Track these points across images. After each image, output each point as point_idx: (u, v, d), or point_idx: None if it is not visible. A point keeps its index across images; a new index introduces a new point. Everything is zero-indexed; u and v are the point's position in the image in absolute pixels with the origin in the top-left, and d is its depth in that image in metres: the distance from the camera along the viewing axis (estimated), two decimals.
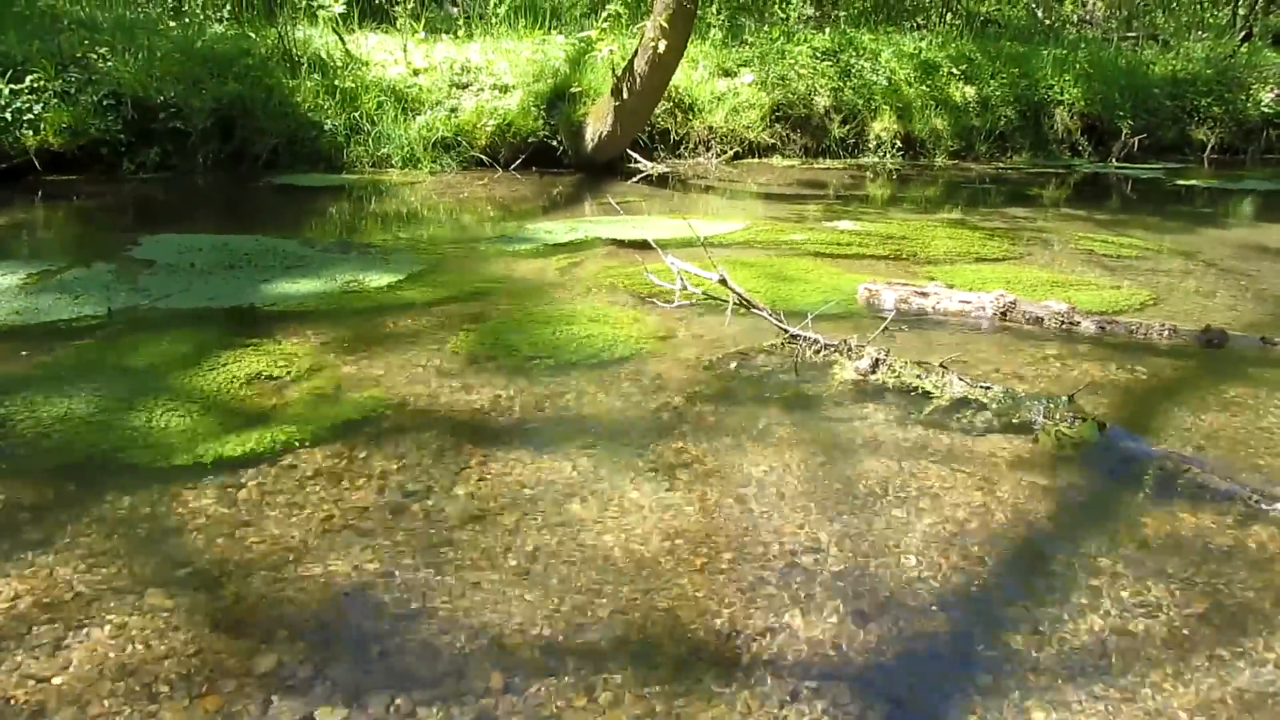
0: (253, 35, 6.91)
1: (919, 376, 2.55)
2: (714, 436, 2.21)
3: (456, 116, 7.02)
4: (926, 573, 1.69)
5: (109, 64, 6.07)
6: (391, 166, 6.76)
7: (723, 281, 2.86)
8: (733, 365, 2.69)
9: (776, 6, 10.41)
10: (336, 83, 6.77)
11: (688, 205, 5.88)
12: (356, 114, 6.70)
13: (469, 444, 2.13)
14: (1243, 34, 12.01)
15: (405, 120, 6.85)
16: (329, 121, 6.62)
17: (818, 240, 4.63)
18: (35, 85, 5.68)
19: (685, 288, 3.04)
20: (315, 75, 6.82)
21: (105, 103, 5.87)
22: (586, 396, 2.43)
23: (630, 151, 7.45)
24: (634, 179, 7.00)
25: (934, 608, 1.59)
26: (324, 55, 6.98)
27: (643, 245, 4.11)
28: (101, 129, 5.81)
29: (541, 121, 7.16)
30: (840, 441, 2.21)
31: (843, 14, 10.73)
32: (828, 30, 9.50)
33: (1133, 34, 12.29)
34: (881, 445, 2.20)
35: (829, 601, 1.60)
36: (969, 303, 3.29)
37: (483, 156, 7.05)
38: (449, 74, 7.34)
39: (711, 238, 4.57)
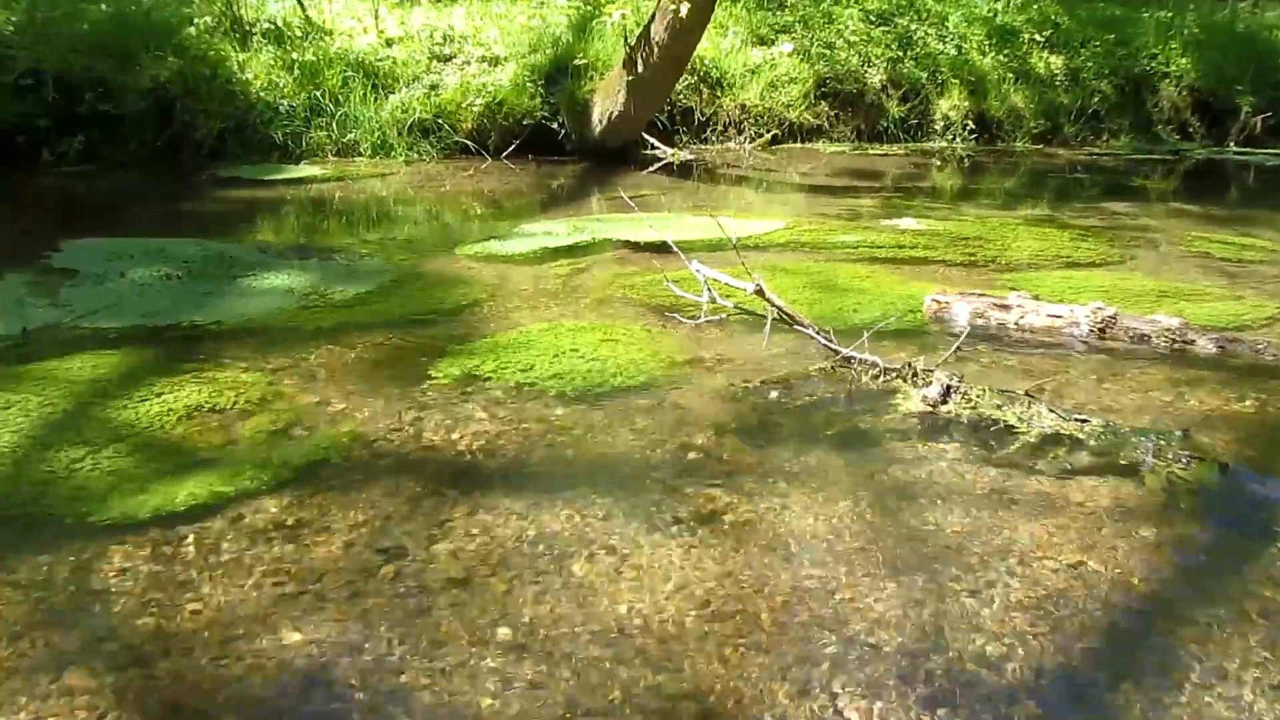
0: (196, 0, 7.03)
1: (1000, 407, 2.55)
2: (749, 482, 2.21)
3: (437, 95, 7.11)
4: (1011, 651, 1.67)
5: (26, 37, 6.19)
6: (360, 155, 6.83)
7: (759, 292, 2.87)
8: (772, 395, 2.70)
9: None
10: (295, 56, 6.89)
11: (716, 200, 5.89)
12: (318, 93, 6.80)
13: (452, 491, 2.14)
14: None
15: (376, 100, 6.95)
16: (285, 102, 6.72)
17: (874, 242, 4.64)
18: None
19: (713, 300, 3.05)
20: (270, 47, 6.94)
21: (22, 83, 5.97)
22: (594, 434, 2.44)
23: (646, 135, 7.50)
24: (651, 168, 7.03)
25: (1021, 695, 1.57)
26: (280, 23, 7.10)
27: (661, 249, 4.14)
28: (17, 114, 5.91)
29: (539, 100, 7.24)
30: (904, 488, 2.21)
31: None
32: None
33: None
34: (954, 492, 2.19)
35: (893, 687, 1.58)
36: (1060, 317, 3.30)
37: (469, 142, 7.12)
38: (428, 44, 7.45)
39: (745, 239, 4.58)
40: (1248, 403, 2.70)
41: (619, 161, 7.11)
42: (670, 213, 5.35)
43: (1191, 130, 9.42)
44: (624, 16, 6.77)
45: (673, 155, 7.37)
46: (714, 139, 8.00)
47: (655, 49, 6.46)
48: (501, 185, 6.30)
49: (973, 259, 4.35)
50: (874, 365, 2.76)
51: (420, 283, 3.81)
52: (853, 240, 4.66)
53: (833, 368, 2.83)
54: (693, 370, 2.87)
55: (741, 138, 8.04)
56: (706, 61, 7.93)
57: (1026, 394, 2.59)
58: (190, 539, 1.93)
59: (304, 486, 2.14)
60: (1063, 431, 2.44)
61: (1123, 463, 2.31)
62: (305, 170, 6.41)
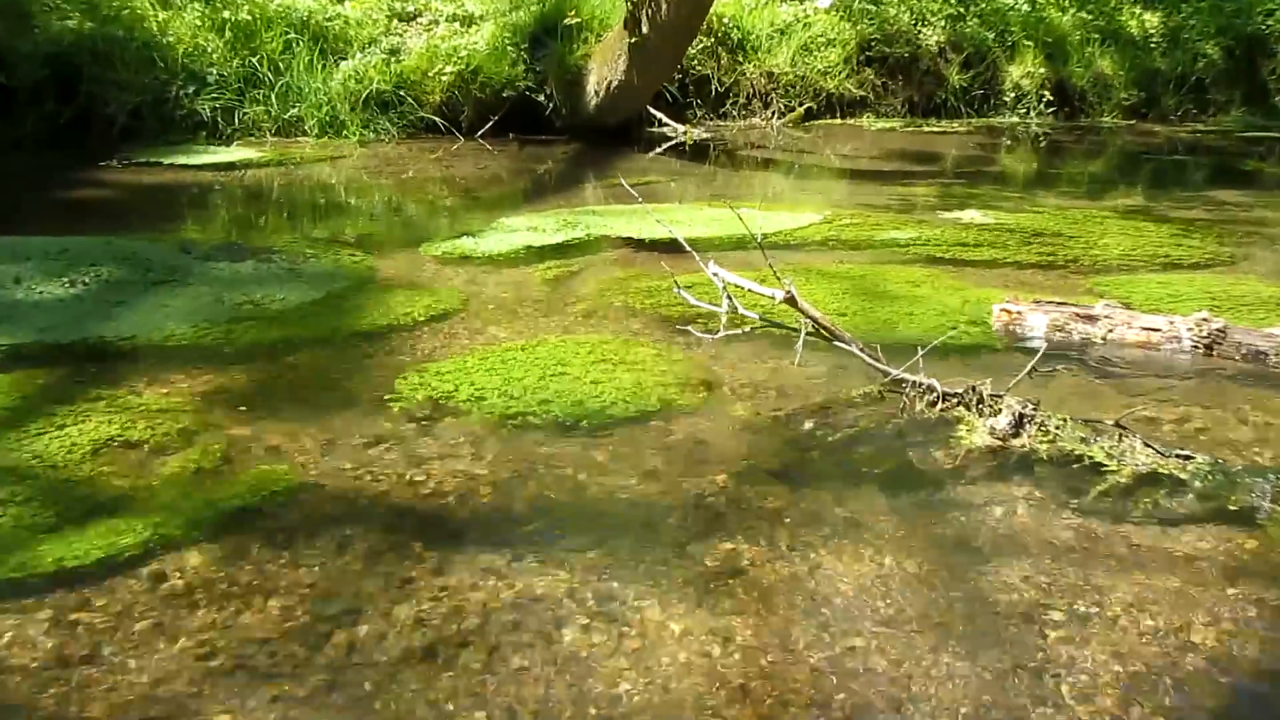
0: None
1: (1084, 441, 2.55)
2: (779, 534, 2.21)
3: (398, 61, 7.16)
4: None
5: None
6: (304, 134, 6.87)
7: (790, 301, 2.87)
8: (806, 426, 2.70)
9: None
10: (226, 14, 6.93)
11: (737, 188, 5.90)
12: (255, 59, 6.84)
13: (416, 544, 2.14)
14: None
15: (324, 68, 6.99)
16: (215, 71, 6.76)
17: (930, 239, 4.66)
18: None
19: (735, 311, 3.04)
20: (196, 4, 6.98)
21: None
22: (589, 474, 2.44)
23: (652, 110, 7.53)
24: (658, 149, 7.04)
25: None
26: None
27: (671, 247, 4.14)
28: None
29: (522, 68, 7.28)
30: (968, 540, 2.21)
31: None
32: None
33: None
34: (1030, 544, 2.18)
35: None
36: (1157, 330, 3.30)
37: (436, 119, 7.16)
38: (387, 0, 7.49)
39: (773, 236, 4.60)
40: None
41: (619, 142, 7.14)
42: (682, 204, 5.36)
43: None
44: None
45: (684, 134, 7.39)
46: (735, 114, 8.04)
47: (664, 5, 6.49)
48: (476, 170, 6.31)
49: (1050, 260, 4.36)
50: (930, 389, 2.75)
51: (377, 289, 3.82)
52: (904, 237, 4.67)
53: (880, 392, 2.84)
54: (710, 396, 2.88)
55: (768, 112, 8.08)
56: (726, 20, 7.98)
57: (1117, 424, 2.58)
58: (99, 602, 1.93)
59: (236, 538, 2.14)
60: (1161, 470, 2.44)
61: (1234, 508, 2.31)
62: (238, 153, 6.44)
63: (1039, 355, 2.89)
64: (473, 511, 2.28)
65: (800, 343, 2.98)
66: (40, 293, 3.65)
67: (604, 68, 6.99)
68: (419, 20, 7.57)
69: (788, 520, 2.27)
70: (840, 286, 3.86)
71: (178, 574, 2.02)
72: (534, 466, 2.47)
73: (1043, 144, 7.74)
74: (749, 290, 3.06)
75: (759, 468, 2.49)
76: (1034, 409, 2.64)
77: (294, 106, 6.83)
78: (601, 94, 7.03)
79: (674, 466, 2.49)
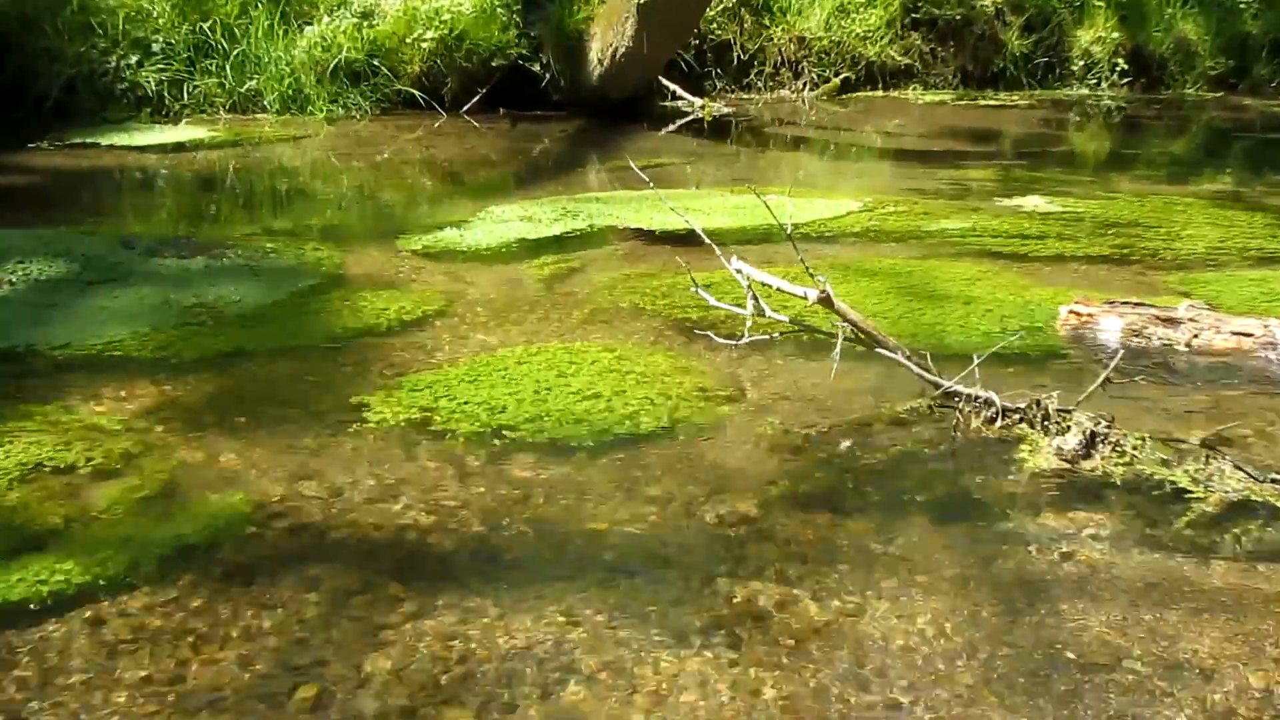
0: None
1: (1166, 464, 2.54)
2: (813, 572, 2.20)
3: (371, 26, 7.15)
4: None
5: None
6: (263, 110, 6.87)
7: (825, 302, 2.86)
8: (844, 446, 2.71)
9: None
10: None
11: (764, 171, 5.88)
12: (206, 25, 6.85)
13: (393, 585, 2.13)
14: None
15: (287, 34, 6.99)
16: (161, 38, 6.76)
17: (987, 229, 4.64)
18: None
19: (761, 313, 3.02)
20: None
21: None
22: (593, 503, 2.44)
23: (665, 81, 7.51)
24: (671, 126, 7.03)
25: None
26: None
27: (687, 240, 4.04)
28: None
29: (515, 33, 7.29)
30: (1033, 579, 2.19)
31: None
32: None
33: None
34: (1104, 585, 2.17)
35: None
36: (1250, 336, 3.29)
37: (416, 92, 7.16)
38: None
39: (805, 226, 4.58)
40: None
41: (626, 118, 7.14)
42: (700, 189, 5.36)
43: None
44: None
45: (702, 109, 7.38)
46: (761, 86, 8.03)
47: None
48: (462, 151, 6.32)
49: (1126, 254, 4.36)
50: (988, 403, 2.75)
51: (347, 289, 3.83)
52: (958, 227, 4.67)
53: (930, 407, 2.84)
54: (733, 411, 2.89)
55: (799, 83, 8.07)
56: None
57: (1203, 444, 2.58)
58: (26, 649, 1.91)
59: (185, 577, 2.13)
60: (1255, 497, 2.43)
61: None
62: (188, 132, 6.45)
63: (1113, 364, 2.88)
64: (457, 547, 2.28)
65: (837, 350, 2.92)
66: None
67: (609, 32, 6.99)
68: None
69: (823, 557, 2.26)
70: (883, 285, 3.86)
71: (118, 619, 2.00)
72: (528, 494, 2.47)
73: (1117, 120, 7.72)
74: (778, 289, 3.04)
75: (789, 495, 2.49)
76: (1108, 426, 2.63)
77: (251, 79, 6.84)
78: (606, 63, 7.03)
79: (690, 494, 2.49)
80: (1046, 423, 2.69)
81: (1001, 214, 4.95)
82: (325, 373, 3.14)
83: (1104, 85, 8.61)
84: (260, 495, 2.44)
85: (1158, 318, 3.39)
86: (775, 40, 8.12)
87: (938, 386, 2.82)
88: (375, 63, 7.09)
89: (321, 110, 6.89)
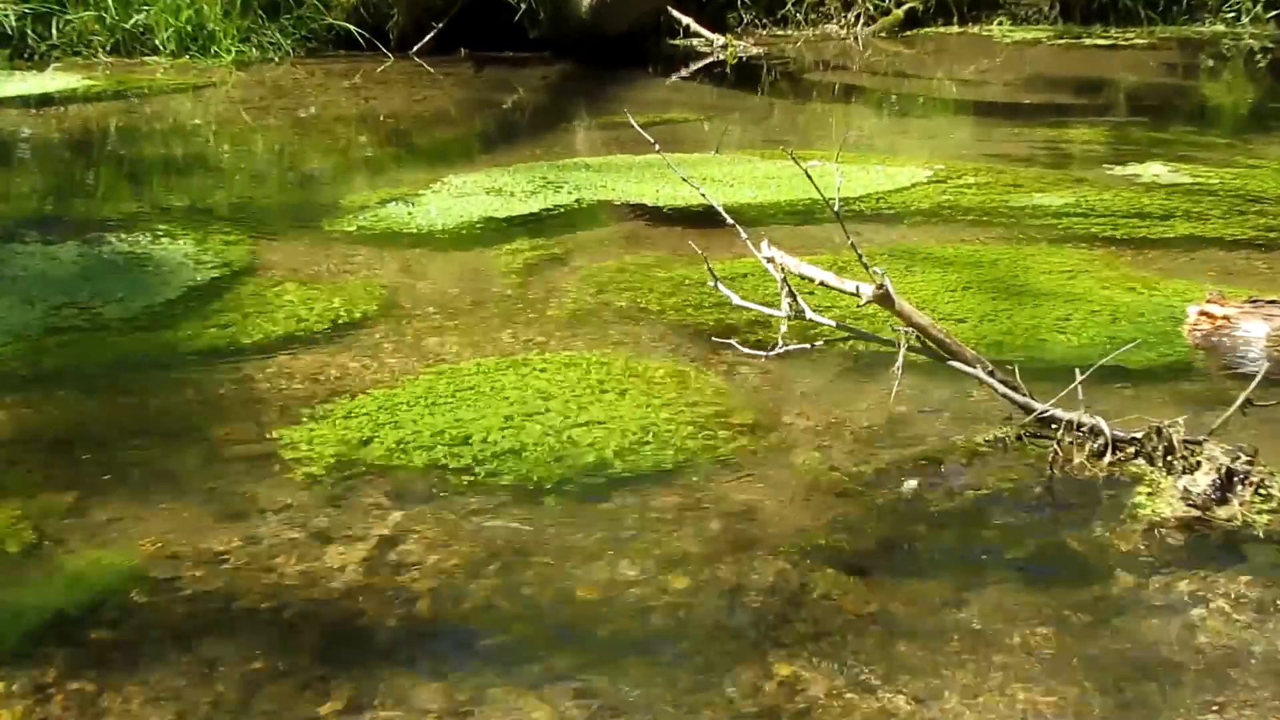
0: None
1: None
2: (863, 652, 2.01)
3: None
4: None
5: None
6: (154, 52, 6.58)
7: (882, 300, 2.64)
8: (908, 485, 2.54)
9: None
10: None
11: (803, 130, 5.76)
12: None
13: (318, 668, 1.95)
14: None
15: None
16: None
17: (1093, 206, 4.48)
18: None
19: (799, 314, 2.78)
20: None
21: None
22: (579, 563, 2.27)
23: (675, 13, 7.03)
24: (684, 71, 6.85)
25: None
26: None
27: (703, 219, 3.94)
28: None
29: None
30: (1149, 661, 2.00)
31: None
32: None
33: None
34: (1241, 668, 1.96)
35: None
36: None
37: (351, 28, 6.77)
38: None
39: (858, 201, 4.40)
40: None
41: (625, 60, 6.95)
42: (721, 153, 5.13)
43: None
44: None
45: (725, 48, 6.98)
46: (800, 18, 7.60)
47: None
48: (411, 104, 6.10)
49: (1273, 238, 4.16)
50: (1095, 432, 2.56)
51: (261, 284, 3.64)
52: (1055, 204, 4.49)
53: (1019, 436, 2.66)
54: (763, 442, 2.70)
55: (850, 15, 7.66)
56: None
57: None
58: None
59: (49, 660, 1.94)
60: None
61: None
62: (57, 80, 6.19)
63: (1257, 380, 2.66)
64: (406, 621, 2.09)
65: (899, 363, 2.70)
66: None
67: None
68: None
69: (875, 632, 2.07)
70: (958, 278, 3.71)
71: None
72: (495, 553, 2.27)
73: (1262, 65, 7.59)
74: (821, 284, 2.83)
75: (834, 553, 2.30)
76: (1249, 463, 2.42)
77: (139, 12, 6.45)
78: None
79: (708, 549, 2.30)
80: (1170, 458, 2.49)
81: (1113, 186, 4.72)
82: (231, 393, 2.97)
83: (1245, 19, 8.14)
84: (150, 554, 2.26)
85: None
86: None
87: (1029, 411, 2.63)
88: None
89: (229, 52, 6.60)
